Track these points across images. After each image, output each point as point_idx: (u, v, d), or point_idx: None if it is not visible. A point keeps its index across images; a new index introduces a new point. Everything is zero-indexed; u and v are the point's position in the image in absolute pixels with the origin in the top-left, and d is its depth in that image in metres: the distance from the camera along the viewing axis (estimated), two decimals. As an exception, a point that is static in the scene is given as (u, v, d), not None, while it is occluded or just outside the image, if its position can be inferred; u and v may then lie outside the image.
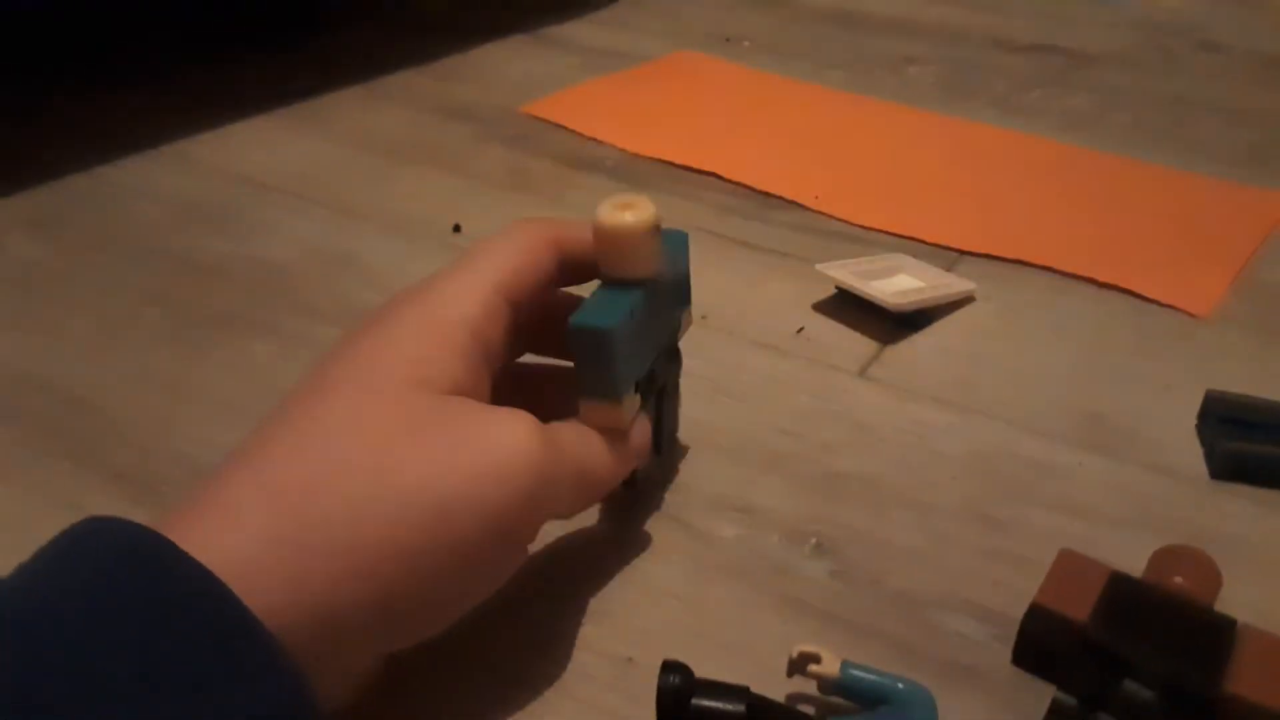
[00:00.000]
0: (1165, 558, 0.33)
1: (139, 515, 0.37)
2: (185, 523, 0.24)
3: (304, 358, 0.46)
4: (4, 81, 0.78)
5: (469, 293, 0.30)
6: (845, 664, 0.29)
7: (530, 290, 0.32)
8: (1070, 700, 0.29)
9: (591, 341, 0.30)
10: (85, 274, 0.52)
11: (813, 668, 0.29)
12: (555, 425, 0.30)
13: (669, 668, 0.28)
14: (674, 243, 0.35)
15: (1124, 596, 0.31)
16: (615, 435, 0.32)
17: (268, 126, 0.70)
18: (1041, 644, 0.31)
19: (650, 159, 0.66)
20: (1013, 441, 0.41)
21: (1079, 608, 0.31)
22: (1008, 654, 0.32)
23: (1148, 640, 0.29)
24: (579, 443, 0.31)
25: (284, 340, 0.47)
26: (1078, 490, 0.38)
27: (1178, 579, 0.32)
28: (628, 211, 0.31)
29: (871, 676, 0.29)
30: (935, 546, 0.36)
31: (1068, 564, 0.32)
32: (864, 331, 0.48)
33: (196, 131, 0.68)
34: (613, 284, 0.31)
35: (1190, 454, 0.40)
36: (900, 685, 0.29)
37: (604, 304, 0.31)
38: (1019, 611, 0.31)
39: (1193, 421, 0.42)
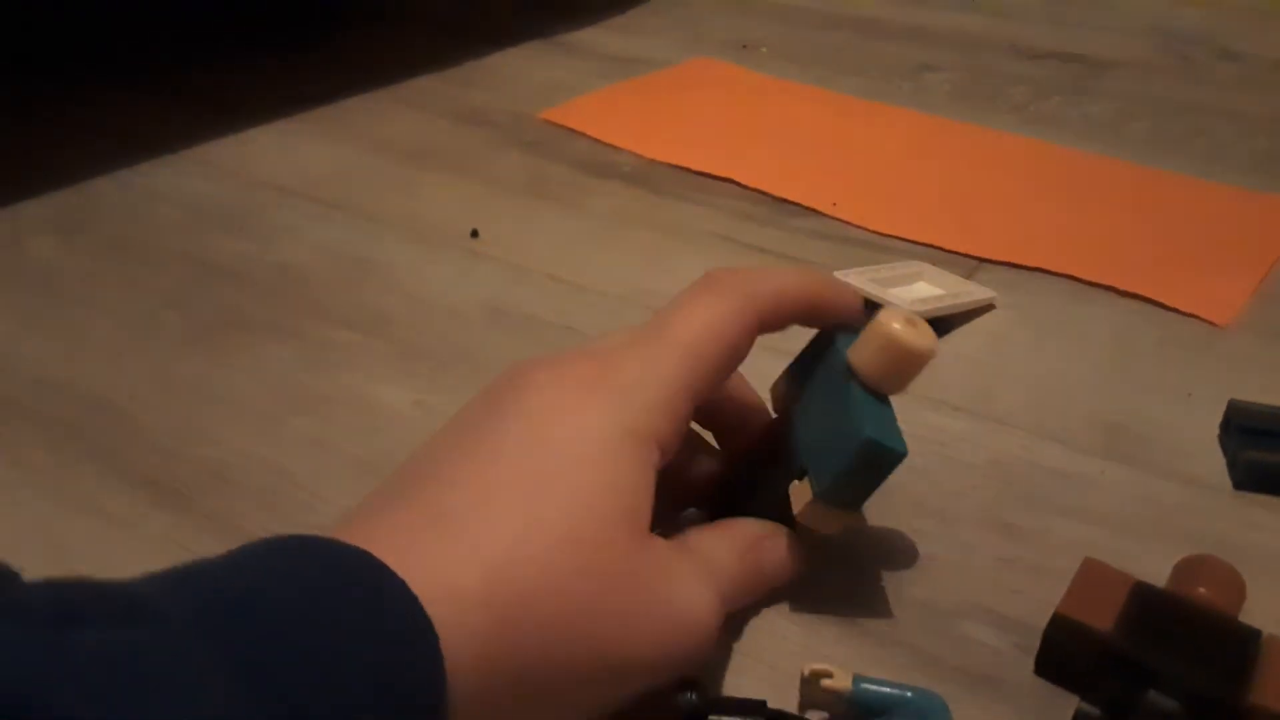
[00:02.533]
0: (1188, 568, 0.33)
1: (161, 519, 0.38)
2: (408, 552, 0.24)
3: (324, 362, 0.46)
4: (26, 85, 0.79)
5: (666, 404, 0.28)
6: (857, 678, 0.29)
7: (719, 385, 0.31)
8: (1094, 711, 0.29)
9: (878, 459, 0.29)
10: (106, 277, 0.52)
11: (825, 683, 0.29)
12: (740, 552, 0.31)
13: (684, 685, 0.28)
14: None
15: (1147, 606, 0.31)
16: (792, 540, 0.32)
17: (286, 130, 0.70)
18: (1064, 653, 0.31)
19: (667, 165, 0.66)
20: (1033, 450, 0.41)
21: (1102, 617, 0.30)
22: (1030, 663, 0.32)
23: (1172, 650, 0.29)
24: (763, 572, 0.32)
25: (305, 345, 0.47)
26: (1099, 499, 0.38)
27: (1201, 589, 0.32)
28: (918, 330, 0.30)
29: (884, 689, 0.29)
30: (956, 555, 0.36)
31: (1091, 573, 0.32)
32: (883, 339, 0.48)
33: (216, 135, 0.69)
34: (868, 391, 0.30)
35: (1213, 464, 0.40)
36: (912, 695, 0.29)
37: (883, 420, 0.30)
38: (1040, 620, 0.31)
39: (1215, 431, 0.42)
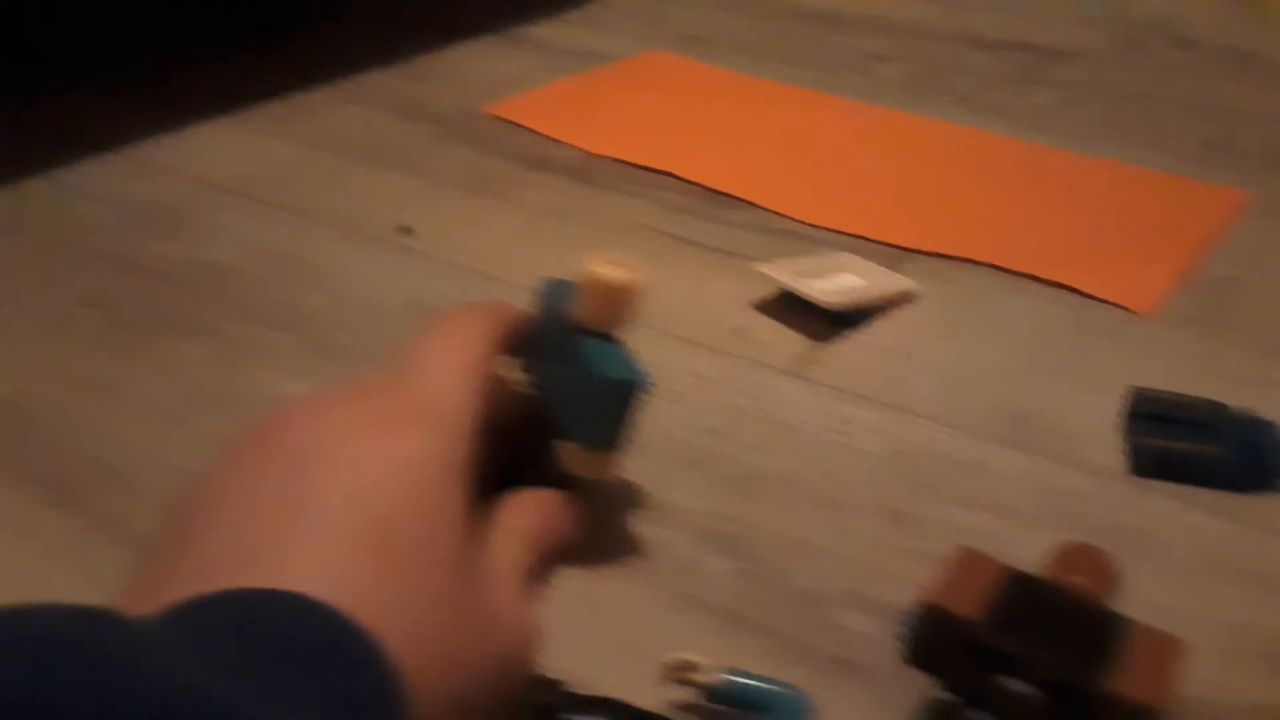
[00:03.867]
0: (1063, 555, 0.33)
1: (52, 520, 0.38)
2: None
3: (236, 360, 0.46)
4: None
5: (464, 424, 0.27)
6: (723, 670, 0.29)
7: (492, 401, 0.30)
8: (949, 697, 0.29)
9: (618, 394, 0.31)
10: (30, 276, 0.52)
11: (690, 675, 0.29)
12: (537, 534, 0.30)
13: (541, 684, 0.28)
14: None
15: (1015, 594, 0.31)
16: (575, 494, 0.32)
17: (228, 128, 0.71)
18: (930, 641, 0.31)
19: (609, 159, 0.66)
20: (934, 439, 0.41)
21: (968, 604, 0.30)
22: (898, 650, 0.32)
23: (1033, 637, 0.29)
24: (551, 540, 0.31)
25: (218, 343, 0.47)
26: (993, 487, 0.38)
27: (1074, 577, 0.32)
28: (622, 270, 0.32)
29: (749, 682, 0.29)
30: (842, 544, 0.36)
31: (964, 561, 0.32)
32: (802, 331, 0.48)
33: (156, 134, 0.69)
34: (593, 336, 0.32)
35: (1112, 451, 0.40)
36: (777, 689, 0.29)
37: (614, 357, 0.32)
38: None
39: (1117, 418, 0.42)
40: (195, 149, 0.67)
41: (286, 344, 0.47)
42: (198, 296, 0.51)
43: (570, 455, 0.32)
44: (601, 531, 0.36)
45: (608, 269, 0.32)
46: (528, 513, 0.31)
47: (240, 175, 0.63)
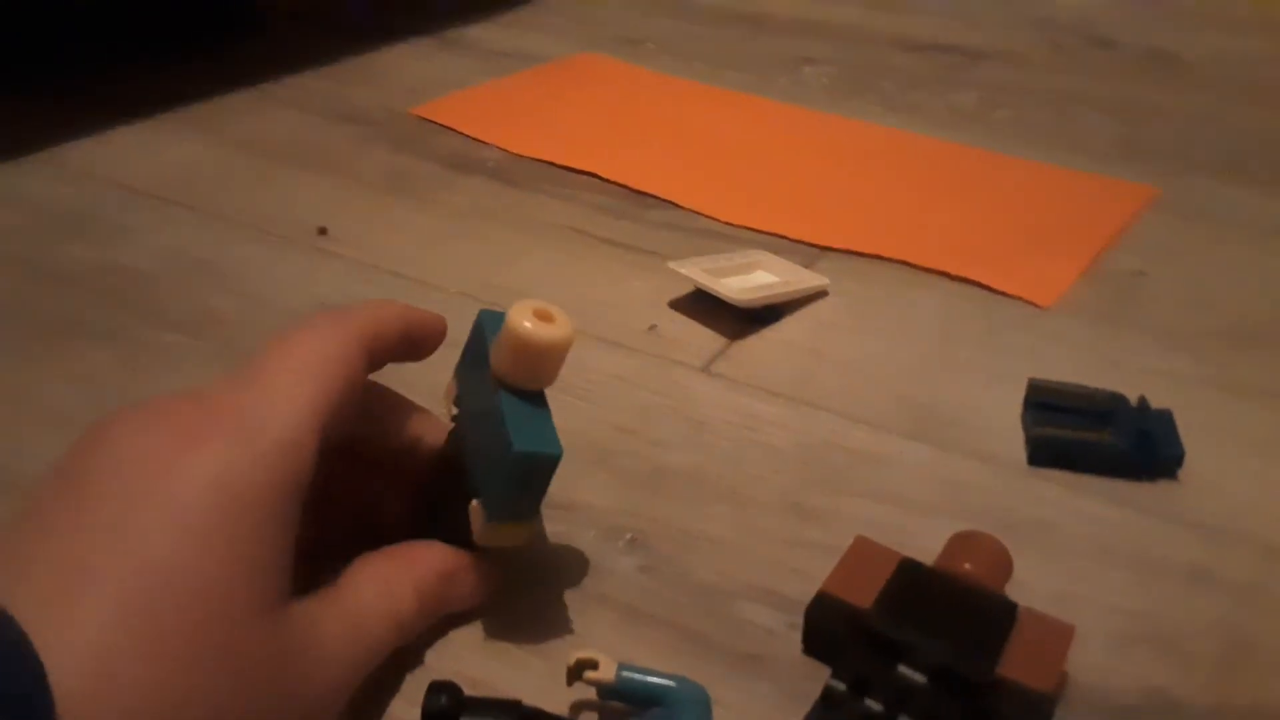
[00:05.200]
0: (957, 544, 0.33)
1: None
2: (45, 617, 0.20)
3: (144, 366, 0.45)
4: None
5: (291, 437, 0.24)
6: (620, 667, 0.29)
7: (345, 410, 0.28)
8: (840, 686, 0.29)
9: (536, 467, 0.29)
10: (-64, 283, 0.51)
11: (589, 674, 0.29)
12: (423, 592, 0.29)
13: (436, 689, 0.28)
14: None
15: (908, 583, 0.31)
16: (478, 565, 0.31)
17: (149, 131, 0.69)
18: (826, 631, 0.31)
19: (532, 160, 0.66)
20: (840, 433, 0.41)
21: (863, 594, 0.31)
22: (799, 643, 0.32)
23: (923, 625, 0.30)
24: (442, 602, 0.30)
25: (127, 348, 0.46)
26: (896, 479, 0.39)
27: (967, 565, 0.32)
28: (550, 323, 0.29)
29: (647, 678, 0.29)
30: (746, 539, 0.36)
31: (860, 551, 0.33)
32: (715, 328, 0.49)
33: (74, 136, 0.67)
34: (516, 393, 0.29)
35: (1014, 442, 0.41)
36: (674, 685, 0.29)
37: (532, 423, 0.29)
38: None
39: (1020, 410, 0.43)
40: (112, 152, 0.66)
41: (196, 349, 0.46)
42: (107, 301, 0.50)
43: (475, 518, 0.30)
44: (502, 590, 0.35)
45: (531, 323, 0.28)
46: (420, 566, 0.30)
47: (157, 178, 0.63)
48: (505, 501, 0.29)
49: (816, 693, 0.30)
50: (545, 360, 0.29)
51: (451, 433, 0.32)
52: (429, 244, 0.56)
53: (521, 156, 0.67)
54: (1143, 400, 0.41)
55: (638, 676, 0.29)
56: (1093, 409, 0.40)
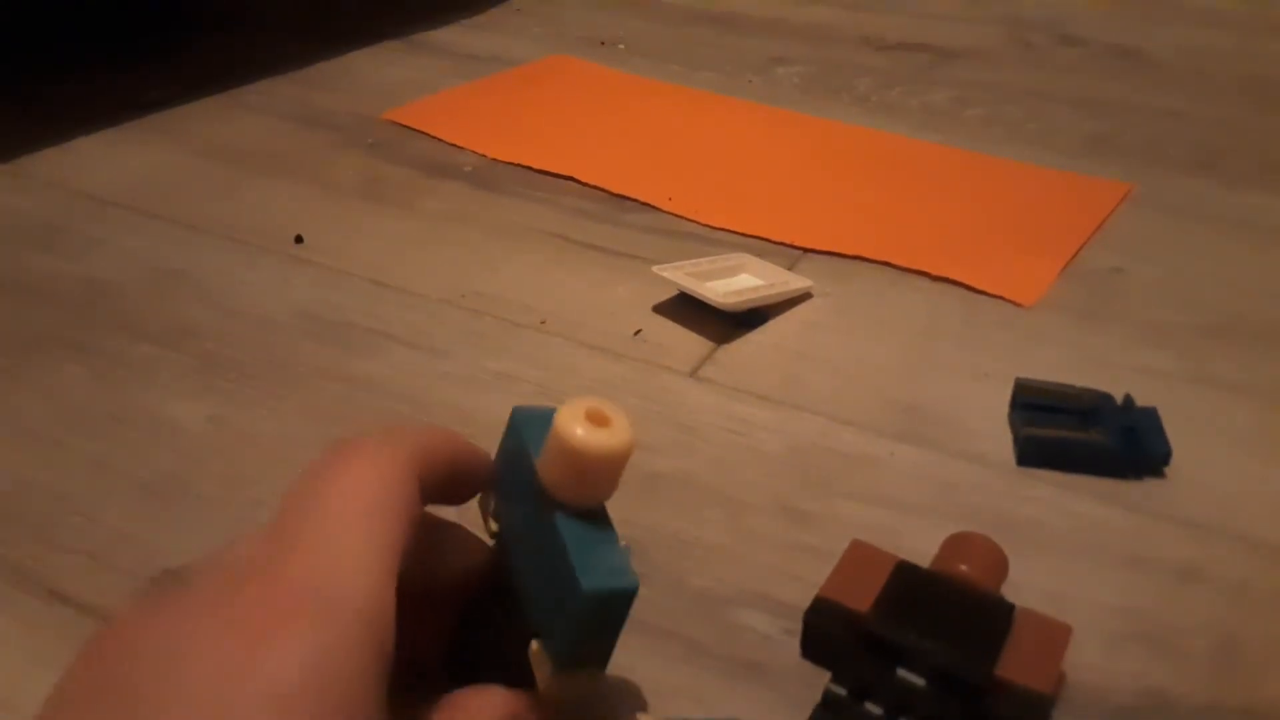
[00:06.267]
0: (952, 545, 0.33)
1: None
2: None
3: (119, 379, 0.44)
4: None
5: (373, 603, 0.21)
6: None
7: (408, 552, 0.23)
8: (840, 691, 0.29)
9: (611, 606, 0.24)
10: (-100, 298, 0.50)
11: None
12: None
13: None
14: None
15: (905, 586, 0.31)
16: (543, 713, 0.26)
17: (115, 139, 0.68)
18: (824, 636, 0.31)
19: (509, 164, 0.66)
20: (829, 435, 0.41)
21: (860, 598, 0.31)
22: (798, 648, 0.32)
23: (922, 628, 0.29)
24: None
25: (100, 361, 0.45)
26: (886, 480, 0.39)
27: (963, 566, 0.32)
28: (607, 428, 0.24)
29: None
30: (740, 544, 0.36)
31: (857, 555, 0.33)
32: (701, 332, 0.48)
33: (37, 146, 0.66)
34: (573, 513, 0.25)
35: (1001, 441, 0.41)
36: None
37: (599, 551, 0.24)
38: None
39: (1006, 410, 0.43)
40: (77, 161, 0.65)
41: (172, 361, 0.46)
42: (77, 314, 0.49)
43: (539, 666, 0.25)
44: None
45: (585, 429, 0.24)
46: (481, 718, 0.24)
47: (125, 187, 0.61)
48: (575, 646, 0.24)
49: (815, 699, 0.30)
50: (606, 472, 0.24)
51: (495, 555, 0.28)
52: (407, 250, 0.56)
53: (498, 161, 0.66)
54: (1128, 398, 0.41)
55: None
56: (1079, 408, 0.41)
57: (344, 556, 0.21)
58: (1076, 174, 0.65)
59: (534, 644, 0.25)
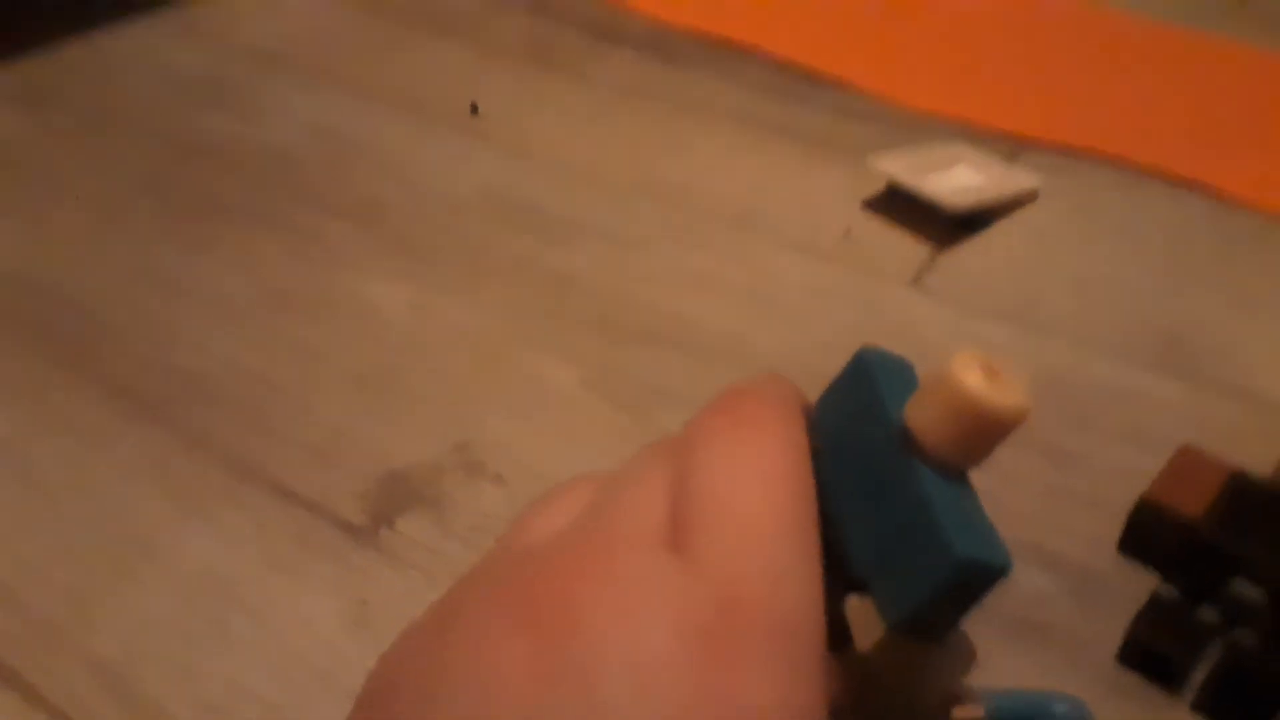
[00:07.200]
0: None
1: (137, 436, 0.35)
2: None
3: (313, 256, 0.42)
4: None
5: (815, 599, 0.19)
6: (988, 697, 0.26)
7: None
8: (1173, 593, 0.27)
9: (975, 580, 0.21)
10: (76, 157, 0.48)
11: (956, 713, 0.26)
12: None
13: None
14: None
15: (1242, 496, 0.29)
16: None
17: (270, -11, 0.65)
18: (1148, 537, 0.29)
19: (685, 29, 0.61)
20: (1082, 363, 0.38)
21: (1192, 504, 0.29)
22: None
23: (1262, 540, 0.27)
24: None
25: (291, 236, 0.43)
26: (1155, 420, 0.35)
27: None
28: (1005, 386, 0.21)
29: (1020, 702, 0.26)
30: (1000, 486, 0.33)
31: (1185, 460, 0.31)
32: (917, 234, 0.45)
33: (193, -4, 0.63)
34: (936, 469, 0.22)
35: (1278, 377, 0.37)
36: (1054, 705, 0.26)
37: (970, 519, 0.21)
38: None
39: (1280, 343, 0.38)
40: (239, 10, 0.62)
41: (361, 240, 0.43)
42: (261, 183, 0.47)
43: (861, 621, 0.23)
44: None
45: (979, 380, 0.21)
46: None
47: (290, 42, 0.58)
48: (921, 612, 0.22)
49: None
50: (994, 434, 0.21)
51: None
52: (584, 127, 0.52)
53: (673, 25, 0.61)
54: None
55: (1010, 704, 0.26)
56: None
57: (782, 578, 0.18)
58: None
59: (852, 599, 0.23)
